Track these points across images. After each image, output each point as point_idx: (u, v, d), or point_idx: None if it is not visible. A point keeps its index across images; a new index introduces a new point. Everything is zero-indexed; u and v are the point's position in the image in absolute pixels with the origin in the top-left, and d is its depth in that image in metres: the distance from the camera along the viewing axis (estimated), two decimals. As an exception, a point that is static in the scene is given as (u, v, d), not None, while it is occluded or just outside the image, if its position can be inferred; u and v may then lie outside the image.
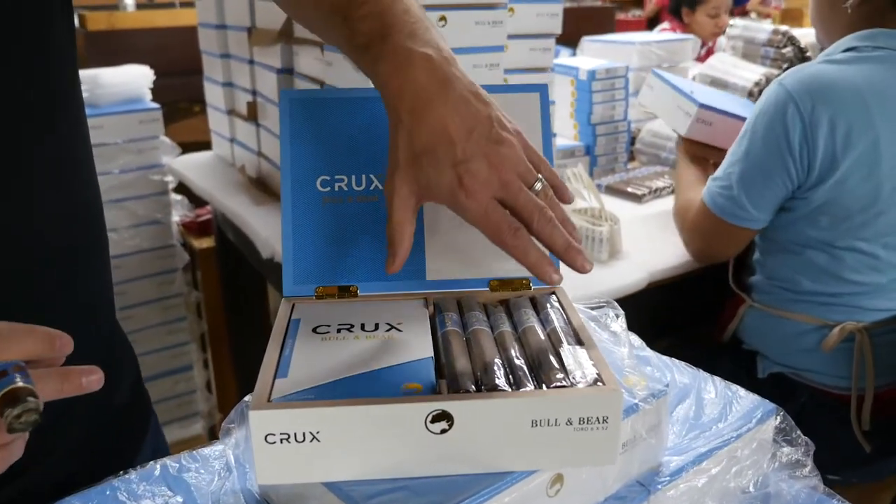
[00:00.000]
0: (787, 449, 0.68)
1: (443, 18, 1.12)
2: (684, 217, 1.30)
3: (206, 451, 0.65)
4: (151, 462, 0.65)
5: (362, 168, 0.65)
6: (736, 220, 1.20)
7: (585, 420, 0.49)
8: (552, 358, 0.53)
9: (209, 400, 2.09)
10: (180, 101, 2.96)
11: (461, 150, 0.53)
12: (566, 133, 1.72)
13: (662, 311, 1.43)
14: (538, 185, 0.55)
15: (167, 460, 0.64)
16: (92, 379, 0.47)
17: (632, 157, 1.84)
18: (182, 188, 1.86)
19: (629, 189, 1.57)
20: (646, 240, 1.35)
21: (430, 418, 0.48)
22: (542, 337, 0.56)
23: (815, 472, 0.67)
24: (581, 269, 0.55)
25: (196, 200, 1.88)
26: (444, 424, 0.48)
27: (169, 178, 1.87)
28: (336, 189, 0.64)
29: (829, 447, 1.24)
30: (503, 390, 0.49)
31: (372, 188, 0.65)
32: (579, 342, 0.55)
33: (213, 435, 2.11)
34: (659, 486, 0.59)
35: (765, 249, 1.28)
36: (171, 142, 1.86)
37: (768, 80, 1.69)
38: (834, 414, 1.24)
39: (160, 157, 1.84)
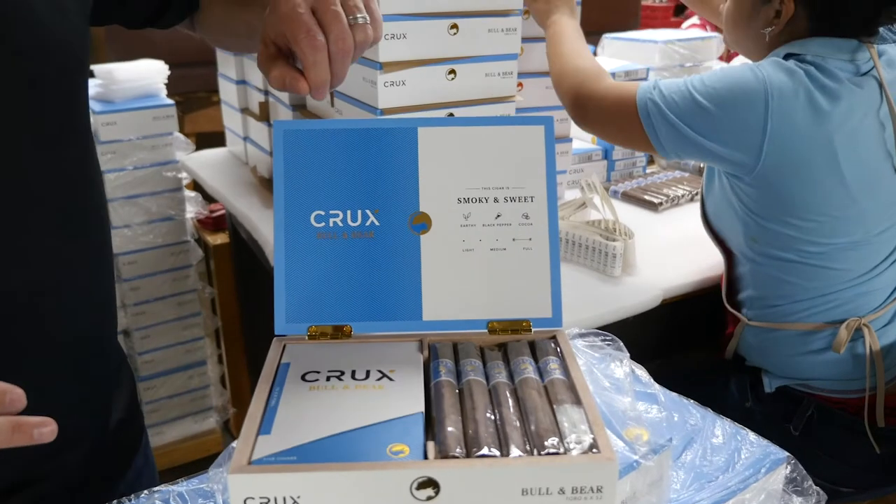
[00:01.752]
0: (797, 500, 0.65)
1: (454, 27, 1.08)
2: (577, 83, 1.25)
3: (196, 488, 0.64)
4: (143, 499, 0.64)
5: (357, 203, 0.63)
6: (651, 135, 1.15)
7: (579, 489, 0.47)
8: (547, 419, 0.50)
9: (223, 395, 2.10)
10: (198, 91, 2.95)
11: None
12: (584, 136, 1.68)
13: (676, 325, 1.40)
14: (359, 19, 0.61)
15: (157, 500, 0.63)
16: (44, 431, 0.47)
17: (651, 161, 1.79)
18: (196, 184, 1.86)
19: (646, 197, 1.53)
20: (661, 253, 1.32)
21: (415, 485, 0.46)
22: (538, 391, 0.54)
23: (826, 525, 0.65)
24: (316, 90, 0.61)
25: (210, 196, 1.88)
26: (430, 492, 0.46)
27: (183, 175, 1.86)
28: (331, 224, 0.62)
29: (840, 458, 1.21)
30: (492, 455, 0.47)
31: (367, 224, 0.63)
32: (577, 399, 0.53)
33: (227, 429, 2.12)
34: (659, 543, 0.57)
35: (749, 260, 1.23)
36: (186, 138, 1.84)
37: None
38: (843, 423, 1.21)
39: (174, 153, 1.83)
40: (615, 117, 1.20)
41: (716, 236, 1.28)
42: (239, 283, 1.95)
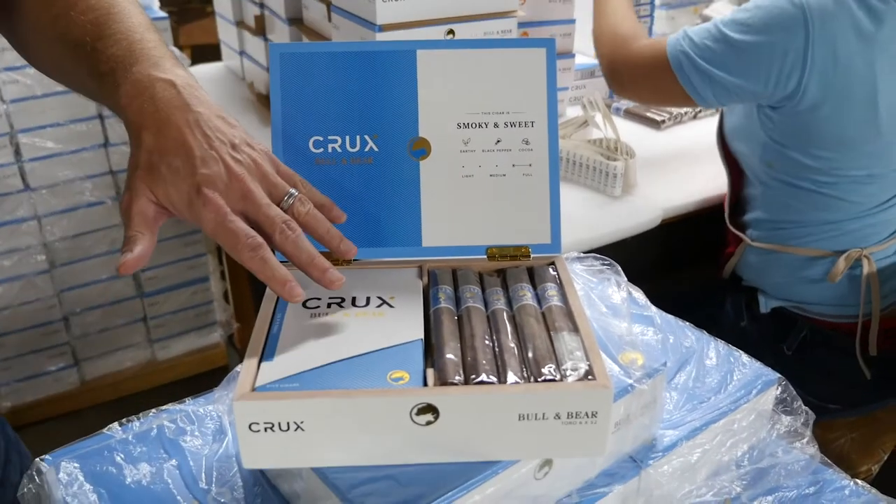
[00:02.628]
0: (786, 419, 0.67)
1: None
2: (619, 45, 1.23)
3: (202, 410, 0.66)
4: (151, 419, 0.66)
5: (356, 128, 0.62)
6: (690, 89, 1.14)
7: (574, 414, 0.48)
8: (544, 346, 0.51)
9: (226, 310, 2.13)
10: (193, 1, 2.87)
11: (200, 161, 0.52)
12: (587, 51, 1.64)
13: (673, 245, 1.40)
14: (289, 200, 0.55)
15: (164, 420, 0.65)
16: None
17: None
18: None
19: (648, 114, 1.51)
20: (662, 172, 1.31)
21: (415, 411, 0.47)
22: (536, 319, 0.54)
23: (813, 443, 0.67)
24: (327, 285, 0.54)
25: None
26: (429, 417, 0.47)
27: (180, 91, 1.83)
28: (329, 150, 0.62)
29: (830, 377, 1.24)
30: (490, 382, 0.48)
31: (367, 150, 0.62)
32: (574, 326, 0.54)
33: (231, 343, 2.16)
34: (651, 462, 0.59)
35: (762, 183, 1.23)
36: (181, 52, 1.81)
37: None
38: (835, 345, 1.23)
39: (169, 68, 1.79)
40: (649, 78, 1.17)
41: (728, 155, 1.26)
42: (239, 200, 1.95)
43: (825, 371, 1.24)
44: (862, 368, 1.20)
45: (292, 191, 0.55)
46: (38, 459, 0.63)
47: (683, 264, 1.49)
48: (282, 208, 0.54)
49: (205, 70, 1.83)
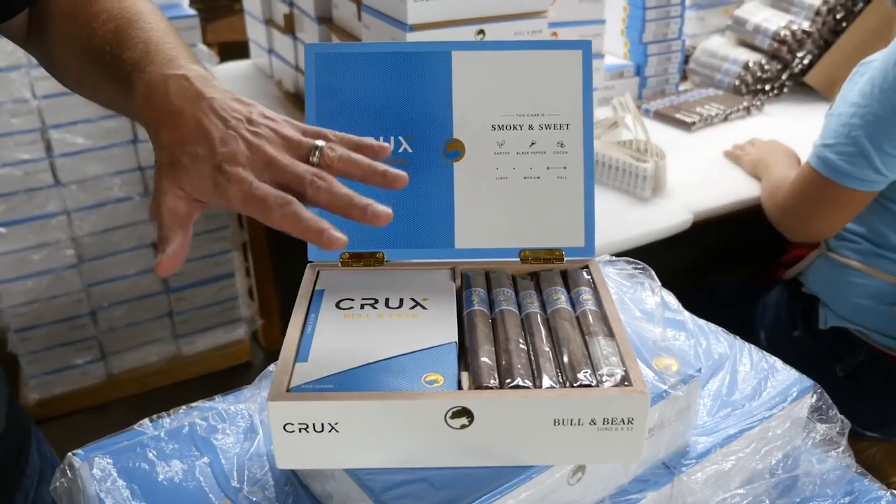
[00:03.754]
0: (821, 427, 0.66)
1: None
2: (779, 189, 1.20)
3: (233, 408, 0.66)
4: (182, 415, 0.66)
5: (389, 129, 0.62)
6: (854, 182, 1.10)
7: (610, 420, 0.48)
8: (579, 350, 0.51)
9: (251, 306, 2.14)
10: (221, -1, 2.89)
11: (220, 142, 0.51)
12: (616, 52, 1.64)
13: (705, 248, 1.39)
14: (316, 153, 0.52)
15: (196, 418, 0.65)
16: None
17: (684, 77, 1.74)
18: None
19: (678, 116, 1.49)
20: (693, 174, 1.30)
21: (450, 414, 0.47)
22: (571, 322, 0.54)
23: (848, 452, 0.66)
24: (373, 222, 0.50)
25: (235, 110, 1.86)
26: (464, 420, 0.47)
27: (207, 88, 1.84)
28: (363, 151, 0.62)
29: (876, 406, 1.21)
30: (525, 386, 0.48)
31: (401, 150, 0.62)
32: (609, 331, 0.53)
33: (255, 339, 2.17)
34: (684, 469, 0.58)
35: None
36: (209, 50, 1.82)
37: (793, 33, 1.58)
38: (890, 376, 1.20)
39: (198, 65, 1.80)
40: (813, 202, 1.14)
41: None
42: (265, 198, 1.96)
43: (872, 401, 1.21)
44: None
45: (318, 143, 0.53)
46: (70, 454, 0.64)
47: (715, 267, 1.48)
48: (312, 164, 0.52)
49: (233, 68, 1.84)
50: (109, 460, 0.61)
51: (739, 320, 0.94)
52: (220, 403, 0.68)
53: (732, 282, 1.43)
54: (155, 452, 0.61)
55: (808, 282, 1.26)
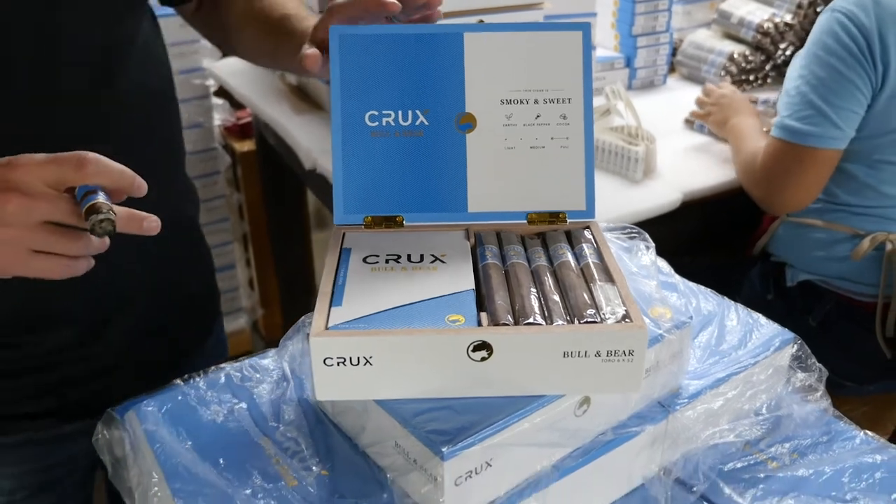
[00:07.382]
0: (801, 375, 0.72)
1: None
2: (752, 166, 1.27)
3: (264, 362, 0.72)
4: (215, 369, 0.72)
5: (408, 104, 0.68)
6: (820, 140, 1.18)
7: (613, 353, 0.54)
8: (584, 294, 0.57)
9: (252, 296, 2.19)
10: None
11: None
12: (607, 44, 1.70)
13: (696, 228, 1.46)
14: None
15: (230, 369, 0.71)
16: (152, 224, 0.56)
17: (672, 69, 1.81)
18: (223, 91, 1.89)
19: (667, 104, 1.56)
20: (682, 157, 1.37)
21: (471, 348, 0.53)
22: (576, 272, 0.60)
23: (825, 397, 0.72)
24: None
25: (236, 103, 1.91)
26: (484, 353, 0.53)
27: (210, 82, 1.90)
28: (384, 124, 0.68)
29: (850, 353, 1.29)
30: (538, 324, 0.54)
31: (418, 123, 0.68)
32: (610, 279, 0.59)
33: (255, 329, 2.22)
34: (677, 407, 0.65)
35: None
36: (212, 45, 1.87)
37: (776, 25, 1.66)
38: (858, 321, 1.29)
39: (201, 60, 1.85)
40: (785, 168, 1.22)
41: None
42: (266, 189, 2.01)
43: (846, 346, 1.29)
44: (882, 347, 1.25)
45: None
46: (108, 410, 0.69)
47: (706, 246, 1.55)
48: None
49: (236, 61, 1.89)
50: (152, 407, 0.67)
51: (731, 291, 1.01)
52: (249, 361, 0.74)
53: (723, 259, 1.51)
54: (196, 399, 0.67)
55: (775, 249, 1.35)
